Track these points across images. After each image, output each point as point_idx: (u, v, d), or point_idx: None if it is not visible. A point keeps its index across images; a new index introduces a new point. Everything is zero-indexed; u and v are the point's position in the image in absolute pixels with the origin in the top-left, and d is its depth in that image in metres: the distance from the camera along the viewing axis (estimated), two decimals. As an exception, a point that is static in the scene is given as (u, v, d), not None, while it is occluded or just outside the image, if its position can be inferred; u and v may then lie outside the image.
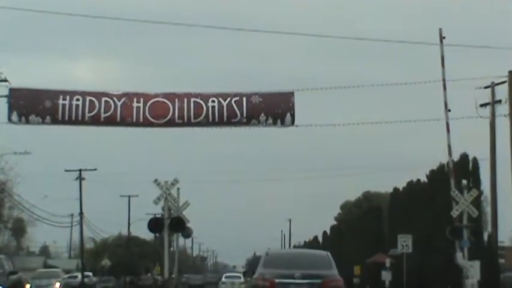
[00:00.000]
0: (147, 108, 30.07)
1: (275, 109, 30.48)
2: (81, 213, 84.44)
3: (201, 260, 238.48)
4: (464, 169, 46.76)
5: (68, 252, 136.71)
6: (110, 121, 30.16)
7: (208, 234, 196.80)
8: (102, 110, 29.93)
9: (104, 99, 29.99)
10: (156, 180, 35.95)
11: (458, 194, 35.29)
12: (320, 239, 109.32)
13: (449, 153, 34.42)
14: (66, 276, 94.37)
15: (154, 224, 35.54)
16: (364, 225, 74.29)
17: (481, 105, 45.61)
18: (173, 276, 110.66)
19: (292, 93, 30.71)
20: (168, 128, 30.90)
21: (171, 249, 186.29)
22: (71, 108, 29.79)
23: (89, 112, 29.85)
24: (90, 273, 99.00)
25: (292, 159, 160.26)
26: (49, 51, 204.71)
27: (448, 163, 37.91)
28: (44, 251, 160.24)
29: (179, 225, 36.37)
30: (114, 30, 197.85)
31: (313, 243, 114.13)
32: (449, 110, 34.13)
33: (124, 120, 30.12)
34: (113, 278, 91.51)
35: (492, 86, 46.17)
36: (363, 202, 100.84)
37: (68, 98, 29.92)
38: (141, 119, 30.09)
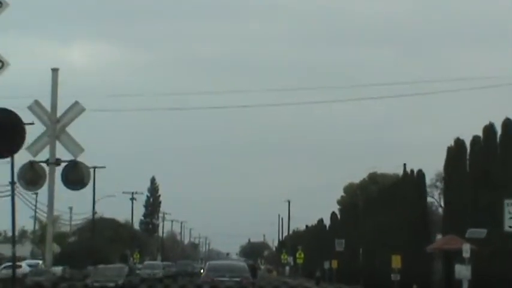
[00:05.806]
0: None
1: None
2: (12, 183, 62.13)
3: (192, 247, 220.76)
4: None
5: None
6: None
7: (200, 220, 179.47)
8: None
9: None
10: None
11: None
12: (327, 222, 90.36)
13: None
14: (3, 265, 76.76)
15: None
16: (397, 199, 54.55)
17: None
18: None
19: None
20: None
21: (156, 234, 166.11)
22: None
23: None
24: (40, 262, 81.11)
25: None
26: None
27: None
28: (23, 235, 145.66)
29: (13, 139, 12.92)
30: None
31: (317, 228, 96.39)
32: None
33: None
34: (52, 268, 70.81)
35: None
36: (368, 184, 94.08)
37: None
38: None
